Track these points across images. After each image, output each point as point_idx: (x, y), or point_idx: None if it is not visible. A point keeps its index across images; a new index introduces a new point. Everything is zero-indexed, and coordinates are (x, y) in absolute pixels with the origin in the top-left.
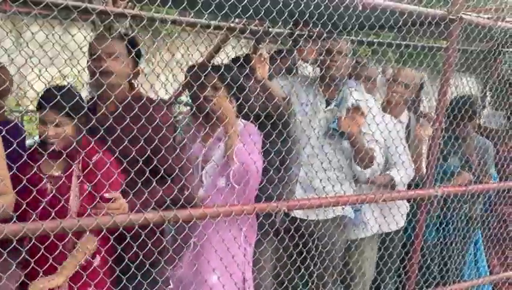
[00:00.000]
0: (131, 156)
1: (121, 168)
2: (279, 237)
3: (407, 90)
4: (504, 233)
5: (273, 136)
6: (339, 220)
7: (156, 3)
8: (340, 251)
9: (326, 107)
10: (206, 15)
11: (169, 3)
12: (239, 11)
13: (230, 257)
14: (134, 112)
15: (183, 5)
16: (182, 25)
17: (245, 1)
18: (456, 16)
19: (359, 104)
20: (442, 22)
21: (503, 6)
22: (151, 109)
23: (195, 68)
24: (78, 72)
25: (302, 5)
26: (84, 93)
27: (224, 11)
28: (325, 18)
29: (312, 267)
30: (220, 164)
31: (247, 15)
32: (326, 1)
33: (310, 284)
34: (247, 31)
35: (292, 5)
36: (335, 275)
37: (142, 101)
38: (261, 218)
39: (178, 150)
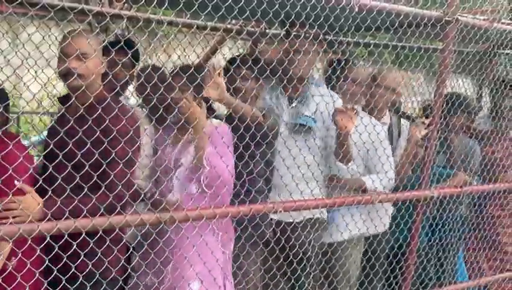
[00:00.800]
0: (76, 160)
1: (67, 170)
2: (267, 246)
3: (390, 92)
4: (494, 235)
5: (258, 147)
6: (315, 221)
7: (153, 5)
8: (319, 253)
9: (289, 104)
10: (203, 16)
11: (166, 4)
12: (235, 12)
13: (203, 264)
14: (95, 115)
15: (180, 7)
16: (179, 26)
17: (242, 2)
18: (452, 17)
19: (353, 106)
20: (438, 23)
21: (498, 7)
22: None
23: (149, 69)
24: None
25: (299, 7)
26: None
27: (220, 13)
28: (322, 19)
29: (290, 272)
30: (190, 168)
31: (243, 16)
32: (323, 2)
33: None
34: (244, 32)
35: (288, 7)
36: (310, 278)
37: (104, 105)
38: (249, 230)
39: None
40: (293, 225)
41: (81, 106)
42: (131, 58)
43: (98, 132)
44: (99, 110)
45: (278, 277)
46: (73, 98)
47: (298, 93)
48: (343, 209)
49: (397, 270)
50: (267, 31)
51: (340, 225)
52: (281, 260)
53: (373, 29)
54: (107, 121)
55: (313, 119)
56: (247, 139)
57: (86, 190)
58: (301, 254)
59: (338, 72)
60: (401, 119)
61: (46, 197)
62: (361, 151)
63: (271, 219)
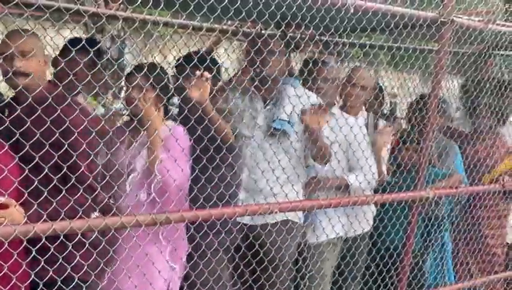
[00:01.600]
0: (36, 161)
1: (24, 174)
2: (237, 252)
3: (364, 91)
4: (478, 237)
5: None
6: (290, 223)
7: (148, 6)
8: (294, 255)
9: (264, 106)
10: (199, 17)
11: (162, 5)
12: (231, 13)
13: (142, 275)
14: (47, 113)
15: (176, 7)
16: (174, 27)
17: (237, 3)
18: (447, 18)
19: (321, 101)
20: (433, 24)
21: (493, 9)
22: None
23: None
24: None
25: (294, 8)
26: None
27: (216, 13)
28: (317, 20)
29: (263, 276)
30: (142, 172)
31: (239, 17)
32: (318, 3)
33: None
34: (240, 33)
35: (284, 8)
36: (288, 282)
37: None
38: (210, 236)
39: (92, 156)
40: (267, 228)
41: (36, 105)
42: (93, 58)
43: (60, 131)
44: (61, 109)
45: (250, 282)
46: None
47: (272, 95)
48: (323, 212)
49: (392, 271)
50: (263, 32)
51: (318, 227)
52: (253, 265)
53: (368, 30)
54: (69, 122)
55: (288, 122)
56: (206, 142)
57: (64, 189)
58: (277, 260)
59: (314, 72)
60: (380, 120)
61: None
62: (341, 148)
63: (241, 224)
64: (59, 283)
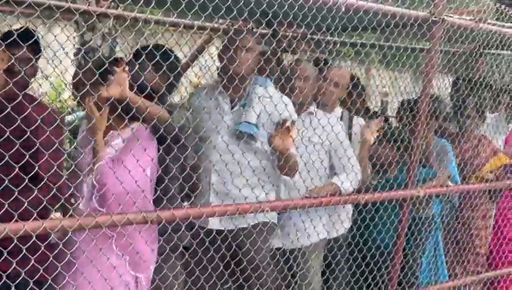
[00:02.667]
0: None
1: None
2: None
3: (337, 88)
4: (467, 238)
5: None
6: (262, 226)
7: (139, 4)
8: (265, 260)
9: (231, 107)
10: (190, 15)
11: (153, 3)
12: (223, 11)
13: (111, 279)
14: (7, 111)
15: (167, 6)
16: (166, 25)
17: (229, 2)
18: (438, 17)
19: (288, 117)
20: (424, 23)
21: (484, 8)
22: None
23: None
24: (61, 72)
25: (286, 6)
26: (67, 93)
27: (207, 12)
28: (309, 19)
29: (233, 282)
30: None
31: (230, 16)
32: (310, 2)
33: None
34: (231, 32)
35: (276, 6)
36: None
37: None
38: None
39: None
40: (234, 231)
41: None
42: (33, 51)
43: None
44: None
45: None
46: None
47: (240, 95)
48: (304, 214)
49: (383, 269)
50: (254, 30)
51: (300, 230)
52: (226, 270)
53: (360, 29)
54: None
55: (255, 125)
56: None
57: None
58: (245, 262)
59: (287, 71)
60: (355, 117)
61: None
62: (323, 148)
63: (201, 228)
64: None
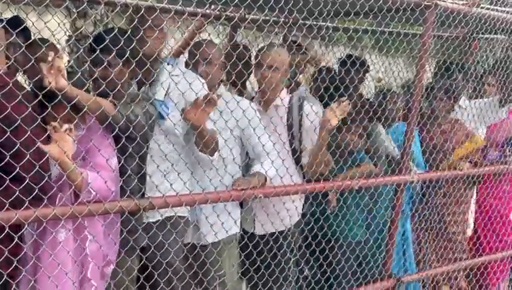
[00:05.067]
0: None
1: None
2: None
3: (276, 73)
4: (441, 224)
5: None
6: (174, 220)
7: None
8: (178, 254)
9: (138, 89)
10: (181, 1)
11: None
12: None
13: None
14: None
15: None
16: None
17: None
18: (431, 2)
19: (209, 93)
20: (417, 8)
21: None
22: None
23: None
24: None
25: None
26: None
27: None
28: (301, 4)
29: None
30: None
31: (222, 1)
32: None
33: None
34: (223, 18)
35: None
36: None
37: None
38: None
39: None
40: (145, 224)
41: None
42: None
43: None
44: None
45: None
46: None
47: (148, 75)
48: (217, 208)
49: (351, 260)
50: (246, 16)
51: (212, 225)
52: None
53: (352, 14)
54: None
55: (163, 104)
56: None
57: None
58: (158, 257)
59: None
60: (305, 102)
61: None
62: (235, 132)
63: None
64: None
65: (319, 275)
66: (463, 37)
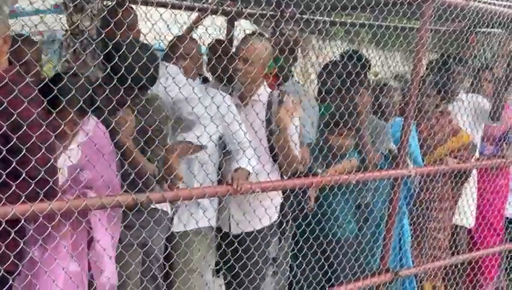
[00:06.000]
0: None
1: None
2: None
3: (251, 66)
4: (427, 221)
5: None
6: (155, 212)
7: None
8: (157, 244)
9: None
10: None
11: None
12: None
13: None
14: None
15: None
16: (153, 5)
17: None
18: None
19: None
20: (414, 2)
21: None
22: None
23: None
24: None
25: None
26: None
27: None
28: None
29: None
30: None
31: None
32: None
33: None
34: (220, 12)
35: None
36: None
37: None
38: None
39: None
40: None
41: None
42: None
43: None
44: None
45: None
46: None
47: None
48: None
49: (341, 256)
50: (243, 10)
51: (182, 215)
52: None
53: (349, 8)
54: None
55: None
56: None
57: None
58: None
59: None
60: (285, 96)
61: None
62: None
63: None
64: None
65: (307, 272)
66: (460, 31)
